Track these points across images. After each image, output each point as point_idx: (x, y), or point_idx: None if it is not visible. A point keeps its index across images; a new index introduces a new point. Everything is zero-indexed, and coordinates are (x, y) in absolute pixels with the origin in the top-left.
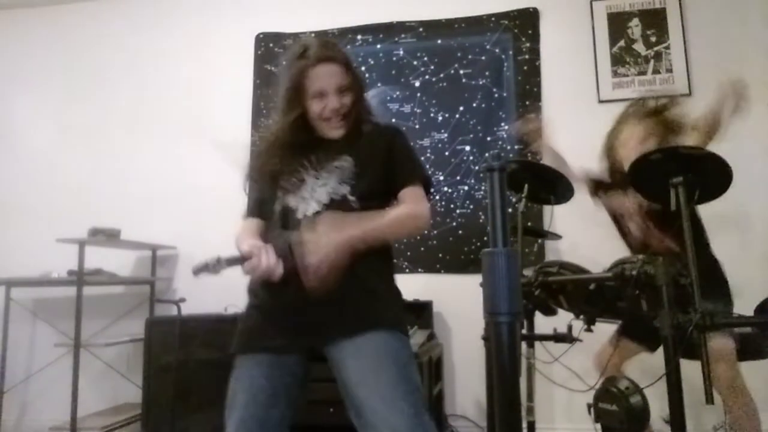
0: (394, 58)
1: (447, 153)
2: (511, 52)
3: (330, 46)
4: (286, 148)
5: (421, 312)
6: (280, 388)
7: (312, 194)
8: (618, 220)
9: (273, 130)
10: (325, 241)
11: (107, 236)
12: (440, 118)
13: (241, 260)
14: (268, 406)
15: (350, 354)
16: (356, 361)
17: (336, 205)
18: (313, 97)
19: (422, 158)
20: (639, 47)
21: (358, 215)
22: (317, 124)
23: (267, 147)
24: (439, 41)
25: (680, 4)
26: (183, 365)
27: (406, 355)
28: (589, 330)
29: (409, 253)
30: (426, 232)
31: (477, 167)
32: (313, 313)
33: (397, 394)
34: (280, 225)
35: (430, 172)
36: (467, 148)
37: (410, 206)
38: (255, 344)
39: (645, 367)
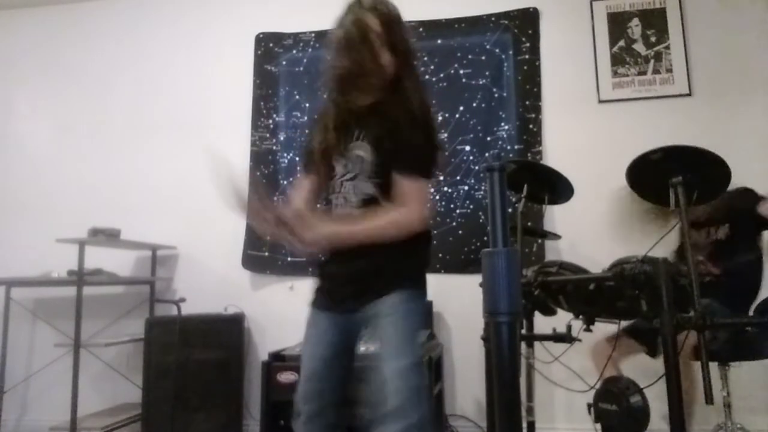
0: None
1: (447, 153)
2: (511, 52)
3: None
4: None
5: None
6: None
7: (341, 190)
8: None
9: None
10: (311, 228)
11: (107, 236)
12: (440, 118)
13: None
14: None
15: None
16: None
17: (370, 204)
18: None
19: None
20: (639, 47)
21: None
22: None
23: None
24: (439, 41)
25: (680, 4)
26: (183, 365)
27: (409, 309)
28: (588, 330)
29: None
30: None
31: (477, 167)
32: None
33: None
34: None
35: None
36: (467, 148)
37: (397, 213)
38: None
39: (645, 367)
